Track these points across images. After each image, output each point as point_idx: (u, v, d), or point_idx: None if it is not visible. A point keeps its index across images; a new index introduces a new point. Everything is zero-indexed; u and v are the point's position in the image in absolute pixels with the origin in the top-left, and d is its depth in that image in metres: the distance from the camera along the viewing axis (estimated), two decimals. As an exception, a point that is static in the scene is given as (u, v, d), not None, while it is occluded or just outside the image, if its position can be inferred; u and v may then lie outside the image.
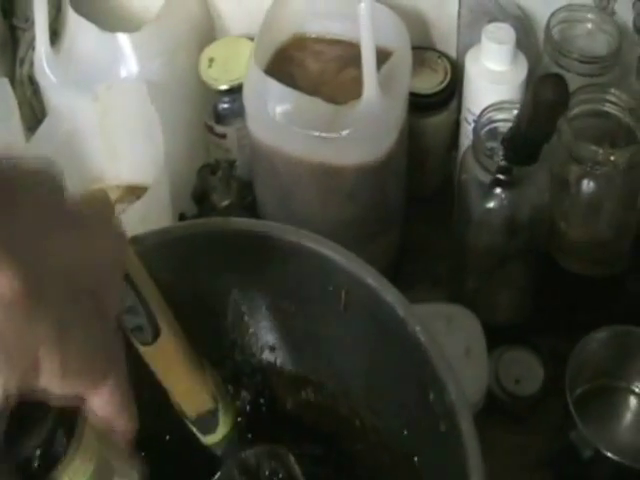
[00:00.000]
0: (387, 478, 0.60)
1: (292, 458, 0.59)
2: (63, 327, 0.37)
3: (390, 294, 0.53)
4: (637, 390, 0.76)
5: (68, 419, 0.41)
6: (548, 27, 0.77)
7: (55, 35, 0.81)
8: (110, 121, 0.80)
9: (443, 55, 0.86)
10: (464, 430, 0.46)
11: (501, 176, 0.71)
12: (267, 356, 0.63)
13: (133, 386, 0.55)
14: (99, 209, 0.44)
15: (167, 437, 0.63)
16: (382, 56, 0.72)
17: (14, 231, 0.36)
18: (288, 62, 0.79)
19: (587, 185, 0.73)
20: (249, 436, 0.60)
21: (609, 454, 0.67)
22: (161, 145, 0.74)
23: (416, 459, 0.54)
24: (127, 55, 0.78)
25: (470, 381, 0.72)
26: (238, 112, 0.82)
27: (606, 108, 0.73)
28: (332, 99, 0.74)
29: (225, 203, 0.80)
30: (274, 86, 0.72)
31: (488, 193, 0.72)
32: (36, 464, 0.41)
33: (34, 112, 0.86)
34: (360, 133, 0.71)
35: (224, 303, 0.61)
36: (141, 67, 0.79)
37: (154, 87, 0.77)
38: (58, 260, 0.38)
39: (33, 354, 0.36)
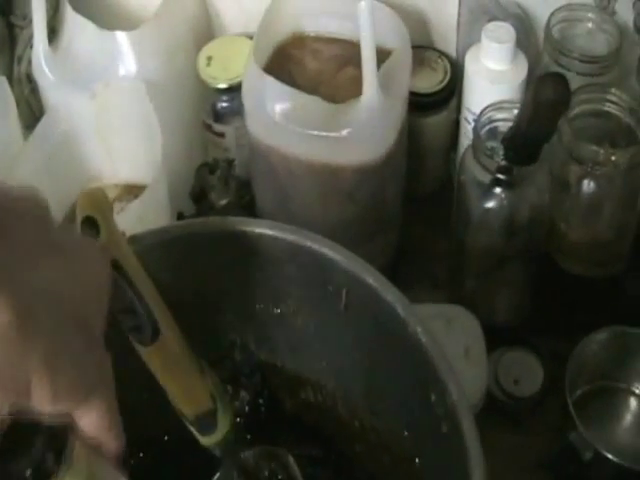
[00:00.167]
0: (387, 479, 0.59)
1: (291, 459, 0.58)
2: (52, 353, 0.38)
3: (391, 294, 0.52)
4: (637, 391, 0.76)
5: (59, 438, 0.42)
6: (548, 26, 0.77)
7: (53, 33, 0.81)
8: (108, 119, 0.79)
9: (443, 54, 0.86)
10: (466, 431, 0.46)
11: (501, 176, 0.70)
12: (266, 356, 0.63)
13: (132, 386, 0.55)
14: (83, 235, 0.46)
15: (166, 437, 0.63)
16: (382, 55, 0.72)
17: (1, 260, 0.38)
18: (287, 61, 0.79)
19: (587, 185, 0.72)
20: (248, 437, 0.60)
21: (609, 455, 0.67)
22: (159, 144, 0.74)
23: (417, 460, 0.54)
24: (125, 53, 0.78)
25: (469, 382, 0.72)
26: (237, 111, 0.82)
27: (607, 108, 0.73)
28: (331, 98, 0.73)
29: (223, 202, 0.80)
30: (273, 85, 0.72)
31: (488, 193, 0.72)
32: None
33: (32, 110, 0.86)
34: (360, 132, 0.71)
35: (223, 303, 0.60)
36: (139, 65, 0.78)
37: (152, 85, 0.77)
38: (45, 288, 0.39)
39: (24, 380, 0.37)
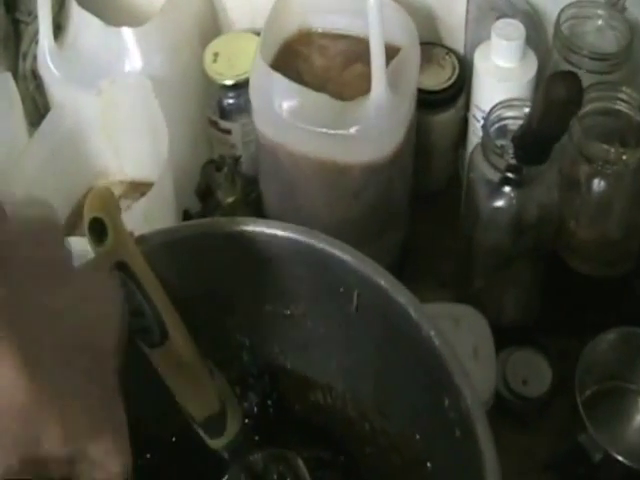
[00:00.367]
0: (398, 483, 0.59)
1: (300, 462, 0.58)
2: (61, 397, 0.37)
3: (403, 296, 0.52)
4: (646, 392, 0.76)
5: None
6: (558, 23, 0.76)
7: (59, 29, 0.80)
8: (114, 116, 0.79)
9: (450, 51, 0.85)
10: (480, 436, 0.45)
11: (510, 175, 0.70)
12: (275, 358, 0.63)
13: (140, 388, 0.54)
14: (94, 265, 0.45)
15: (173, 439, 0.62)
16: (390, 52, 0.71)
17: (12, 294, 0.37)
18: (294, 57, 0.78)
19: (597, 184, 0.72)
20: (256, 439, 0.60)
21: (619, 457, 0.67)
22: (165, 140, 0.73)
23: (429, 464, 0.54)
24: (131, 50, 0.77)
25: (478, 382, 0.71)
26: (243, 107, 0.81)
27: (617, 106, 0.73)
28: (338, 95, 0.73)
29: (230, 200, 0.80)
30: (280, 81, 0.72)
31: (496, 192, 0.72)
32: None
33: (37, 107, 0.86)
34: (368, 130, 0.71)
35: (231, 304, 0.60)
36: (145, 62, 0.78)
37: (158, 82, 0.76)
38: (55, 321, 0.38)
39: (33, 430, 0.36)
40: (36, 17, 0.78)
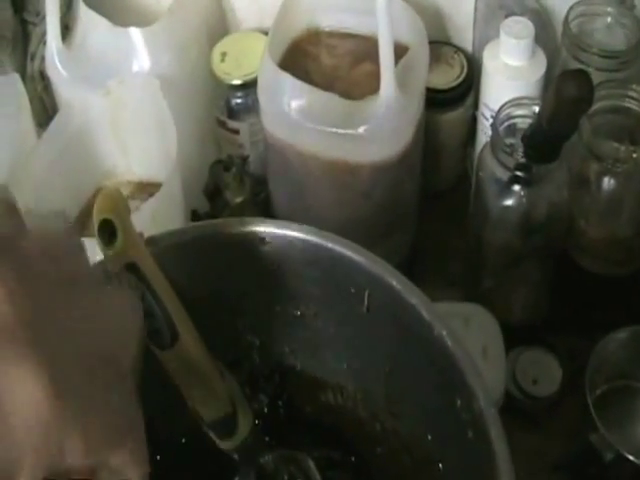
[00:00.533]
0: (409, 483, 0.59)
1: (311, 463, 0.58)
2: (85, 411, 0.38)
3: (415, 296, 0.52)
4: (657, 391, 0.76)
5: None
6: (566, 21, 0.76)
7: (66, 30, 0.80)
8: (122, 116, 0.79)
9: (459, 50, 0.85)
10: (494, 437, 0.45)
11: (520, 173, 0.70)
12: (285, 358, 0.62)
13: (150, 389, 0.54)
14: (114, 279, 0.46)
15: (183, 440, 0.62)
16: (399, 51, 0.71)
17: (35, 310, 0.37)
18: (302, 56, 0.78)
19: (607, 183, 0.72)
20: (267, 439, 0.60)
21: (630, 457, 0.66)
22: (173, 140, 0.73)
23: (440, 465, 0.53)
24: (139, 50, 0.77)
25: (487, 382, 0.71)
26: (251, 107, 0.81)
27: (626, 104, 0.72)
28: (346, 94, 0.73)
29: (238, 200, 0.79)
30: (289, 81, 0.71)
31: (506, 190, 0.71)
32: None
33: (45, 107, 0.86)
34: (377, 130, 0.70)
35: (242, 304, 0.60)
36: (153, 62, 0.78)
37: (166, 82, 0.76)
38: (79, 336, 0.39)
39: (57, 443, 0.37)
40: (44, 18, 0.78)
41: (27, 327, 0.36)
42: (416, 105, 0.74)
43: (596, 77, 0.72)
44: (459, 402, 0.49)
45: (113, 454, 0.40)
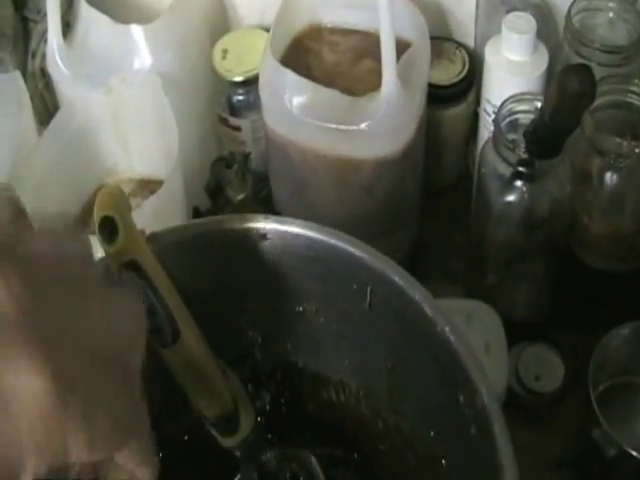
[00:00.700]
0: (412, 480, 0.59)
1: (314, 460, 0.58)
2: (88, 408, 0.38)
3: (418, 292, 0.52)
4: (660, 387, 0.75)
5: None
6: (568, 16, 0.76)
7: (67, 27, 0.80)
8: (123, 114, 0.79)
9: (461, 45, 0.85)
10: (497, 434, 0.45)
11: (522, 169, 0.69)
12: (288, 355, 0.62)
13: (152, 386, 0.54)
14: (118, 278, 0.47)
15: (185, 438, 0.62)
16: (400, 47, 0.71)
17: (41, 310, 0.37)
18: (304, 53, 0.78)
19: (610, 178, 0.72)
20: (269, 437, 0.60)
21: (634, 453, 0.66)
22: (175, 138, 0.73)
23: (443, 462, 0.53)
24: (140, 47, 0.77)
25: (490, 378, 0.71)
26: (253, 104, 0.81)
27: (629, 99, 0.72)
28: (348, 91, 0.73)
29: (240, 197, 0.79)
30: (290, 77, 0.71)
31: (508, 186, 0.71)
32: None
33: (46, 105, 0.85)
34: (379, 126, 0.70)
35: (243, 301, 0.60)
36: (154, 59, 0.78)
37: (167, 79, 0.76)
38: (84, 336, 0.39)
39: (60, 440, 0.37)
40: (45, 15, 0.78)
41: (31, 326, 0.37)
42: (418, 101, 0.74)
43: (598, 72, 0.71)
44: (462, 398, 0.49)
45: (119, 452, 0.40)
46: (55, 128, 0.76)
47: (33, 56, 0.85)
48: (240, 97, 0.82)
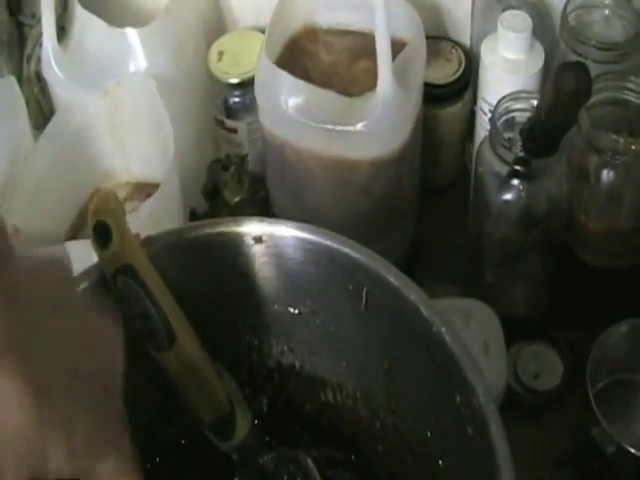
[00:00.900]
0: (410, 481, 0.59)
1: (310, 462, 0.58)
2: (67, 418, 0.40)
3: (413, 293, 0.52)
4: (658, 384, 0.75)
5: None
6: (564, 13, 0.76)
7: (62, 31, 0.80)
8: (119, 117, 0.79)
9: (457, 44, 0.85)
10: (493, 434, 0.45)
11: (519, 167, 0.69)
12: (285, 357, 0.62)
13: (148, 390, 0.54)
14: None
15: (183, 441, 0.62)
16: (396, 47, 0.71)
17: (20, 324, 0.39)
18: (299, 54, 0.78)
19: (606, 175, 0.71)
20: (266, 439, 0.60)
21: (632, 450, 0.66)
22: (171, 140, 0.73)
23: (441, 462, 0.53)
24: (135, 50, 0.77)
25: (489, 377, 0.70)
26: (249, 106, 0.81)
27: (625, 96, 0.72)
28: (345, 91, 0.73)
29: (237, 199, 0.79)
30: (286, 78, 0.71)
31: (505, 185, 0.71)
32: None
33: (42, 110, 0.85)
34: (375, 126, 0.70)
35: (240, 304, 0.60)
36: (150, 62, 0.78)
37: (163, 82, 0.76)
38: (63, 355, 0.41)
39: (40, 448, 0.39)
40: (40, 20, 0.78)
41: (12, 346, 0.38)
42: (414, 101, 0.74)
43: (594, 69, 0.71)
44: (459, 398, 0.49)
45: (99, 462, 0.41)
46: (51, 132, 0.76)
47: (28, 60, 0.85)
48: (236, 99, 0.82)
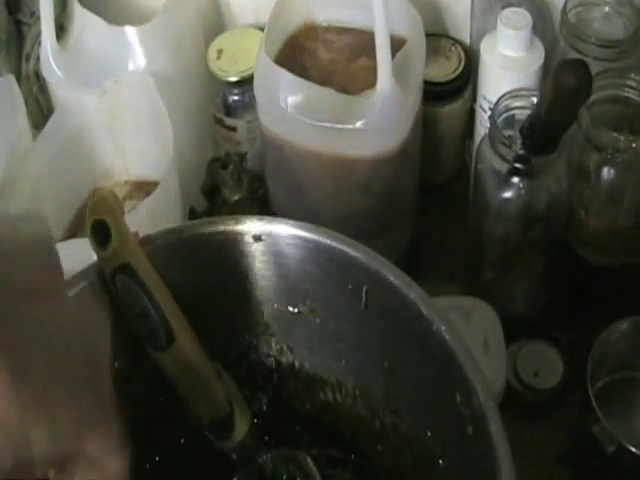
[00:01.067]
0: (410, 480, 0.59)
1: (310, 461, 0.58)
2: (50, 400, 0.40)
3: (413, 292, 0.51)
4: (659, 382, 0.75)
5: None
6: (564, 11, 0.75)
7: (61, 30, 0.80)
8: (118, 116, 0.79)
9: (456, 42, 0.85)
10: (493, 433, 0.45)
11: (519, 165, 0.69)
12: (284, 356, 0.62)
13: (147, 390, 0.54)
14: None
15: (182, 441, 0.62)
16: (395, 44, 0.71)
17: (1, 312, 0.39)
18: (299, 52, 0.78)
19: (607, 173, 0.71)
20: (266, 438, 0.60)
21: (633, 448, 0.66)
22: (170, 139, 0.73)
23: (441, 461, 0.53)
24: (135, 49, 0.77)
25: (488, 375, 0.70)
26: (248, 104, 0.81)
27: (625, 93, 0.72)
28: (344, 89, 0.72)
29: (236, 197, 0.79)
30: (285, 76, 0.71)
31: (505, 182, 0.71)
32: None
33: (41, 108, 0.85)
34: (375, 124, 0.70)
35: (239, 303, 0.59)
36: (149, 60, 0.77)
37: (162, 80, 0.76)
38: (41, 333, 0.41)
39: (22, 433, 0.39)
40: (38, 18, 0.77)
41: None
42: (413, 98, 0.74)
43: (594, 67, 0.71)
44: (458, 397, 0.49)
45: (86, 442, 0.41)
46: (50, 131, 0.76)
47: (27, 59, 0.85)
48: (235, 97, 0.82)
